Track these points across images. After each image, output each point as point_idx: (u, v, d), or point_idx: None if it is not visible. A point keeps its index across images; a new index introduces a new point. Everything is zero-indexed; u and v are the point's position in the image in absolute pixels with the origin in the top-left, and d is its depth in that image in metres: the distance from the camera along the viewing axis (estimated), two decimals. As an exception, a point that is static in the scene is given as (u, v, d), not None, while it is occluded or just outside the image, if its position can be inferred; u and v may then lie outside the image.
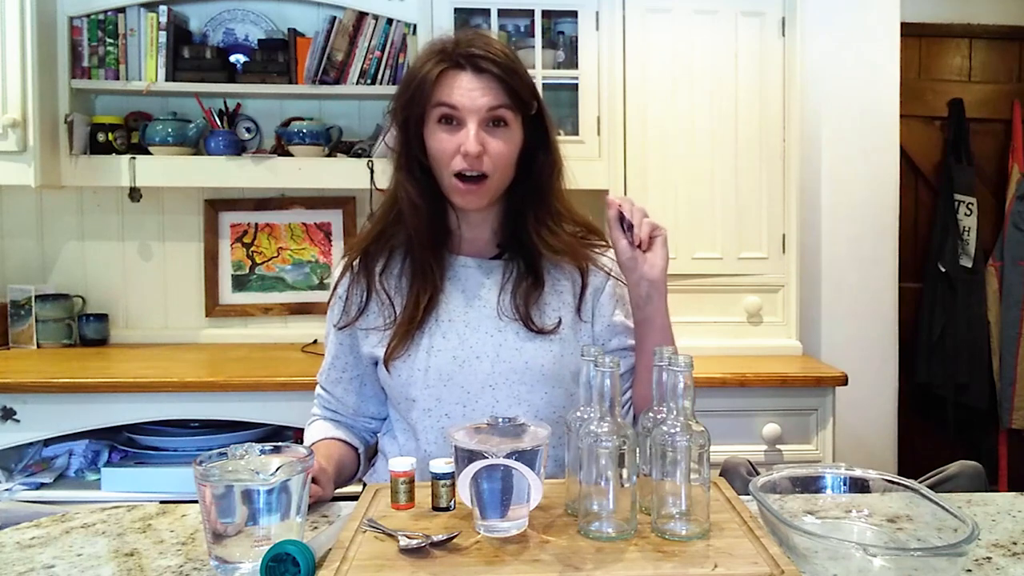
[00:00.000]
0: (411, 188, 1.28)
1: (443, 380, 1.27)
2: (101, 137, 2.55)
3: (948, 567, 0.87)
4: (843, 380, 2.31)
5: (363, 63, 2.55)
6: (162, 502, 1.22)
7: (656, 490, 0.97)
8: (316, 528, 1.08)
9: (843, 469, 1.12)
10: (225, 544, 0.92)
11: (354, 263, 1.34)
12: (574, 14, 2.49)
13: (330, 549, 0.92)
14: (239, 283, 2.82)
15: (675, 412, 0.96)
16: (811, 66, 2.71)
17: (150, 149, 2.55)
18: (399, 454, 1.32)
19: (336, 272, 1.37)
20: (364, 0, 2.53)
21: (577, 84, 2.49)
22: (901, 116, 2.83)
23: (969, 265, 3.27)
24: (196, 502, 0.95)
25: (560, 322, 1.30)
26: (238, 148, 2.60)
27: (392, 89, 2.46)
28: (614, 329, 1.35)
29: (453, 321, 1.29)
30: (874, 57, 2.77)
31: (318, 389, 1.41)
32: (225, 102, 2.66)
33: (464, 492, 0.96)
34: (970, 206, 3.27)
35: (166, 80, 2.53)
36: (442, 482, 1.05)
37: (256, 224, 2.82)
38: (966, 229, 3.28)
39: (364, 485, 1.30)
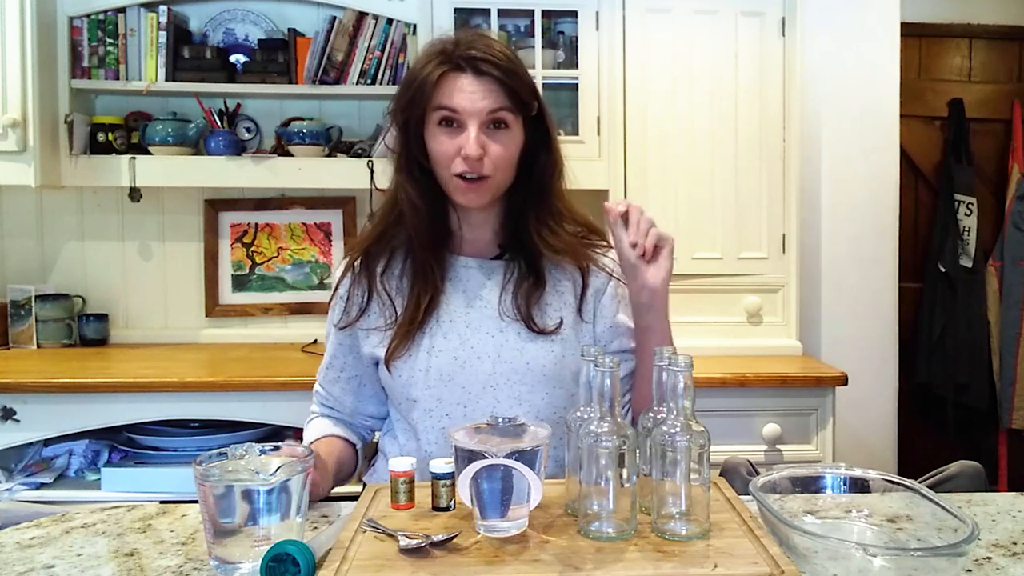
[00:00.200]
0: (411, 189, 1.28)
1: (444, 380, 1.27)
2: (101, 137, 2.55)
3: (948, 567, 0.87)
4: (843, 380, 2.31)
5: (363, 63, 2.55)
6: (162, 502, 1.22)
7: (656, 490, 0.97)
8: (316, 528, 1.08)
9: (843, 469, 1.12)
10: (225, 544, 0.92)
11: (355, 263, 1.34)
12: (574, 14, 2.49)
13: (330, 549, 0.92)
14: (239, 283, 2.82)
15: (675, 412, 0.96)
16: (811, 66, 2.71)
17: (150, 149, 2.55)
18: (400, 454, 1.32)
19: (337, 272, 1.37)
20: (364, 0, 2.53)
21: (577, 84, 2.49)
22: (901, 116, 2.83)
23: (969, 265, 3.27)
24: (196, 502, 0.95)
25: (561, 322, 1.30)
26: (238, 148, 2.60)
27: (392, 89, 2.46)
28: (616, 330, 1.35)
29: (454, 321, 1.29)
30: (874, 57, 2.77)
31: (316, 387, 1.41)
32: (225, 102, 2.66)
33: (464, 492, 0.96)
34: (970, 206, 3.27)
35: (166, 80, 2.53)
36: (442, 482, 1.05)
37: (256, 224, 2.82)
38: (966, 229, 3.28)
39: (364, 485, 1.30)
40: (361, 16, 2.54)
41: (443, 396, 1.27)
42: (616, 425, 0.96)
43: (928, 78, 3.32)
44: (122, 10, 2.52)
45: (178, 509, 1.16)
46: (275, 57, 2.59)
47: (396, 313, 1.29)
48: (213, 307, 2.80)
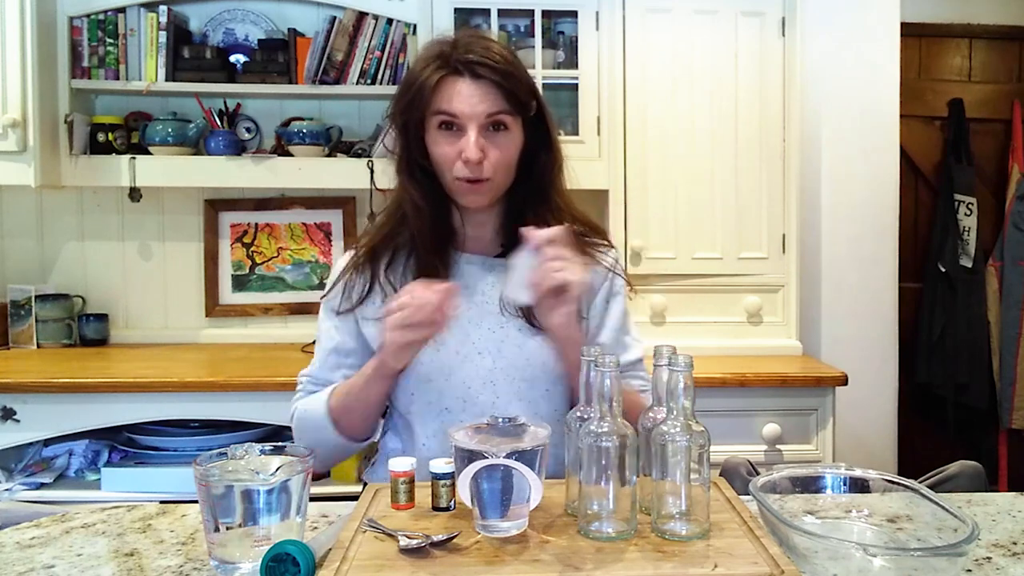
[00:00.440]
0: (414, 191, 1.30)
1: (444, 374, 1.28)
2: (101, 137, 2.55)
3: (948, 567, 0.87)
4: (843, 380, 2.31)
5: (363, 63, 2.55)
6: (162, 502, 1.22)
7: (656, 490, 0.97)
8: (316, 528, 1.08)
9: (843, 469, 1.12)
10: (225, 544, 0.92)
11: (359, 255, 1.34)
12: (574, 14, 2.49)
13: (330, 549, 0.92)
14: (239, 283, 2.82)
15: (675, 412, 0.96)
16: (811, 66, 2.71)
17: (150, 149, 2.55)
18: (399, 448, 1.32)
19: (340, 262, 1.37)
20: (364, 0, 2.53)
21: (577, 84, 2.49)
22: (901, 116, 2.83)
23: (969, 265, 3.27)
24: (196, 502, 0.95)
25: None
26: (238, 148, 2.60)
27: (392, 89, 2.46)
28: (609, 331, 1.35)
29: (456, 317, 1.29)
30: (874, 57, 2.77)
31: (305, 383, 1.37)
32: (225, 102, 2.66)
33: (464, 492, 0.96)
34: (970, 206, 3.27)
35: (166, 80, 2.53)
36: (442, 482, 1.05)
37: (256, 224, 2.82)
38: (966, 229, 3.28)
39: (364, 485, 1.30)
40: (361, 16, 2.54)
41: (443, 389, 1.28)
42: (616, 425, 0.96)
43: (928, 78, 3.32)
44: (122, 10, 2.52)
45: (178, 509, 1.16)
46: (275, 57, 2.59)
47: None
48: (213, 307, 2.80)
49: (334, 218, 2.82)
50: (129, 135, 2.60)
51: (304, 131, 2.57)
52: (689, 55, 2.49)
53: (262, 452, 0.99)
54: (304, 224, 2.83)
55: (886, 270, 2.84)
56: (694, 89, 2.50)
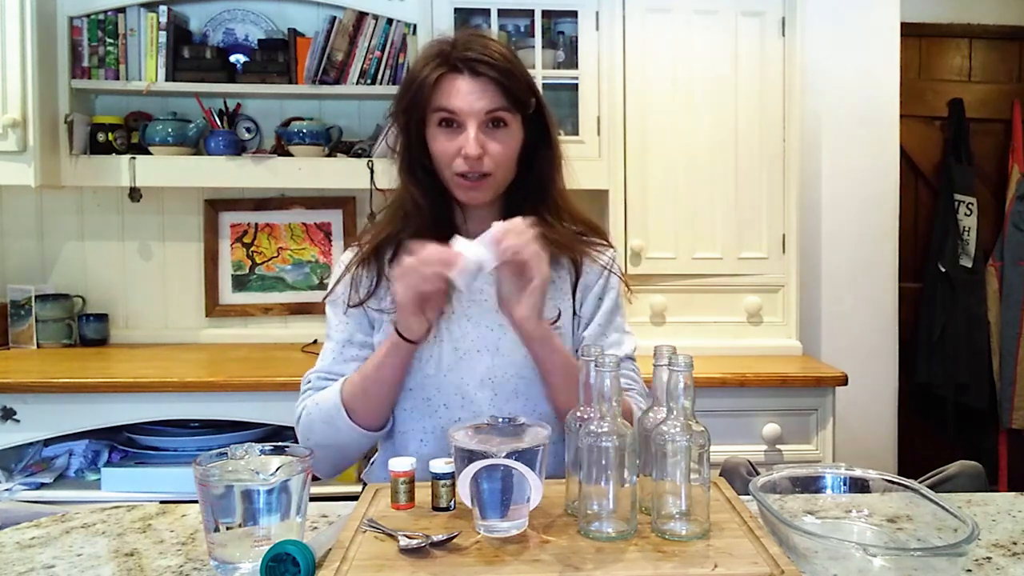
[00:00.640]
0: (415, 189, 1.30)
1: (443, 370, 1.28)
2: (101, 137, 2.55)
3: (948, 567, 0.87)
4: (843, 380, 2.31)
5: (363, 63, 2.55)
6: (162, 502, 1.22)
7: (656, 490, 0.97)
8: (316, 528, 1.08)
9: (843, 469, 1.12)
10: (225, 544, 0.92)
11: (364, 250, 1.34)
12: (574, 14, 2.49)
13: (330, 549, 0.92)
14: (239, 283, 2.82)
15: (675, 412, 0.96)
16: (811, 66, 2.71)
17: (150, 149, 2.55)
18: (398, 446, 1.32)
19: (346, 256, 1.37)
20: (364, 0, 2.53)
21: (577, 84, 2.49)
22: (901, 116, 2.83)
23: (969, 265, 3.27)
24: (196, 502, 0.95)
25: (560, 315, 1.31)
26: (238, 148, 2.60)
27: (392, 89, 2.47)
28: (595, 326, 1.35)
29: (456, 314, 1.31)
30: (874, 57, 2.77)
31: (314, 380, 1.34)
32: (225, 102, 2.66)
33: (464, 492, 0.96)
34: (970, 206, 3.27)
35: (166, 80, 2.53)
36: (442, 482, 1.05)
37: (256, 224, 2.82)
38: (966, 229, 3.28)
39: (364, 485, 1.30)
40: (361, 16, 2.54)
41: (441, 386, 1.28)
42: (616, 425, 0.96)
43: (928, 78, 3.32)
44: (122, 10, 2.52)
45: (178, 509, 1.16)
46: (275, 57, 2.59)
47: None
48: (213, 307, 2.80)
49: (334, 218, 2.82)
50: (129, 135, 2.60)
51: (304, 131, 2.57)
52: (689, 55, 2.49)
53: (262, 452, 0.99)
54: (304, 224, 2.83)
55: (886, 270, 2.85)
56: (694, 89, 2.50)
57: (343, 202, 2.80)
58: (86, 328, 2.71)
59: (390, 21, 2.54)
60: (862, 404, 2.80)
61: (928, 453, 3.15)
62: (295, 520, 0.94)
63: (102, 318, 2.73)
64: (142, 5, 2.52)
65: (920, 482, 1.12)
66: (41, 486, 2.20)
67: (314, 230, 2.83)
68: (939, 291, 3.27)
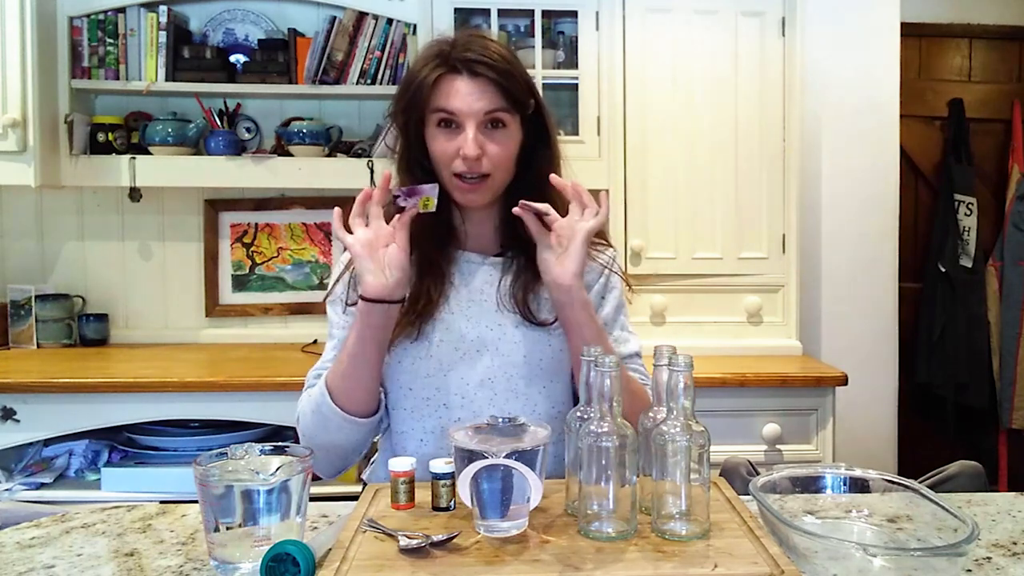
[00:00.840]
0: None
1: (443, 370, 1.28)
2: (101, 137, 2.55)
3: (948, 567, 0.87)
4: (843, 380, 2.31)
5: (363, 63, 2.55)
6: (162, 502, 1.22)
7: (656, 490, 0.97)
8: (316, 528, 1.08)
9: (843, 469, 1.12)
10: (225, 544, 0.92)
11: None
12: (574, 14, 2.49)
13: (330, 549, 0.92)
14: (239, 283, 2.82)
15: (675, 412, 0.96)
16: (811, 66, 2.71)
17: (150, 149, 2.55)
18: (398, 446, 1.32)
19: (343, 258, 1.37)
20: (364, 0, 2.53)
21: (577, 84, 2.49)
22: (901, 116, 2.83)
23: (969, 265, 3.27)
24: (196, 502, 0.95)
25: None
26: (238, 148, 2.60)
27: (392, 89, 2.46)
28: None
29: (455, 314, 1.30)
30: (874, 57, 2.78)
31: (312, 378, 1.33)
32: (225, 102, 2.66)
33: (464, 492, 0.96)
34: (970, 206, 3.27)
35: (166, 80, 2.53)
36: (442, 482, 1.05)
37: (256, 224, 2.82)
38: (966, 229, 3.28)
39: (364, 485, 1.30)
40: (361, 16, 2.54)
41: (441, 386, 1.28)
42: (616, 425, 0.96)
43: (928, 78, 3.32)
44: (122, 10, 2.52)
45: (178, 509, 1.16)
46: (275, 57, 2.59)
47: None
48: (213, 307, 2.80)
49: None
50: (129, 135, 2.60)
51: (304, 131, 2.57)
52: (689, 55, 2.49)
53: (262, 452, 0.99)
54: (304, 224, 2.83)
55: (886, 270, 2.85)
56: (694, 89, 2.50)
57: (343, 202, 2.76)
58: (86, 328, 2.71)
59: (390, 21, 2.54)
60: (862, 404, 2.80)
61: (928, 453, 3.15)
62: (295, 520, 0.94)
63: (102, 318, 2.73)
64: (142, 5, 2.52)
65: (920, 482, 1.12)
66: (41, 486, 2.20)
67: (314, 230, 2.83)
68: (939, 291, 3.27)
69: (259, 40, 2.66)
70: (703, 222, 2.52)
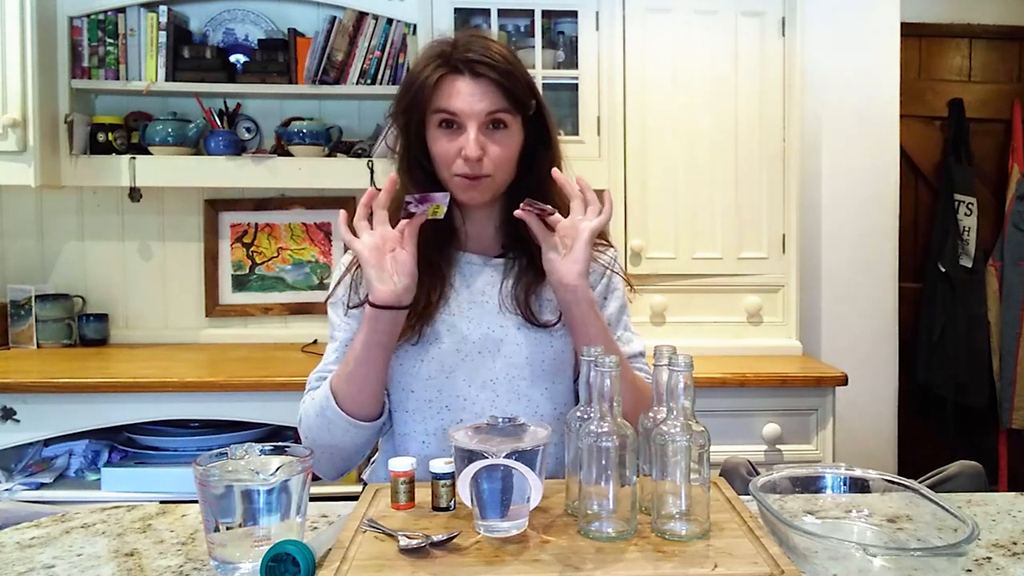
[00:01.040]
0: (414, 190, 1.29)
1: (445, 372, 1.28)
2: (101, 137, 2.55)
3: (948, 567, 0.87)
4: (843, 380, 2.31)
5: (363, 63, 2.55)
6: (162, 502, 1.22)
7: (656, 490, 0.97)
8: (316, 528, 1.08)
9: (843, 469, 1.12)
10: (225, 544, 0.92)
11: None
12: (574, 14, 2.49)
13: (330, 549, 0.92)
14: (239, 283, 2.82)
15: (675, 412, 0.96)
16: (811, 66, 2.71)
17: (150, 149, 2.55)
18: (400, 447, 1.32)
19: (346, 258, 1.36)
20: (364, 0, 2.53)
21: (577, 84, 2.49)
22: (901, 116, 2.83)
23: (969, 265, 3.27)
24: (196, 502, 0.95)
25: (561, 315, 1.31)
26: (238, 148, 2.60)
27: (392, 89, 2.47)
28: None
29: (456, 316, 1.30)
30: (874, 57, 2.78)
31: (314, 379, 1.34)
32: (225, 102, 2.66)
33: (464, 492, 0.96)
34: (970, 206, 3.27)
35: (166, 80, 2.53)
36: (442, 482, 1.05)
37: (256, 224, 2.82)
38: (966, 229, 3.28)
39: (364, 485, 1.30)
40: (361, 16, 2.54)
41: (443, 387, 1.28)
42: (616, 425, 0.96)
43: (928, 78, 3.32)
44: (122, 10, 2.52)
45: (178, 509, 1.16)
46: (275, 57, 2.59)
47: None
48: (213, 307, 2.80)
49: (334, 218, 2.82)
50: (129, 135, 2.60)
51: (304, 131, 2.57)
52: (689, 55, 2.49)
53: (262, 452, 0.99)
54: (304, 224, 2.83)
55: (886, 270, 2.85)
56: (694, 89, 2.50)
57: (343, 202, 2.80)
58: (86, 328, 2.71)
59: (390, 21, 2.54)
60: (862, 404, 2.80)
61: (928, 453, 3.15)
62: (295, 520, 0.94)
63: (102, 318, 2.73)
64: (142, 5, 2.52)
65: (920, 482, 1.12)
66: (41, 486, 2.20)
67: (314, 230, 2.83)
68: (939, 291, 3.27)
69: (259, 40, 2.66)
70: (703, 222, 2.52)
